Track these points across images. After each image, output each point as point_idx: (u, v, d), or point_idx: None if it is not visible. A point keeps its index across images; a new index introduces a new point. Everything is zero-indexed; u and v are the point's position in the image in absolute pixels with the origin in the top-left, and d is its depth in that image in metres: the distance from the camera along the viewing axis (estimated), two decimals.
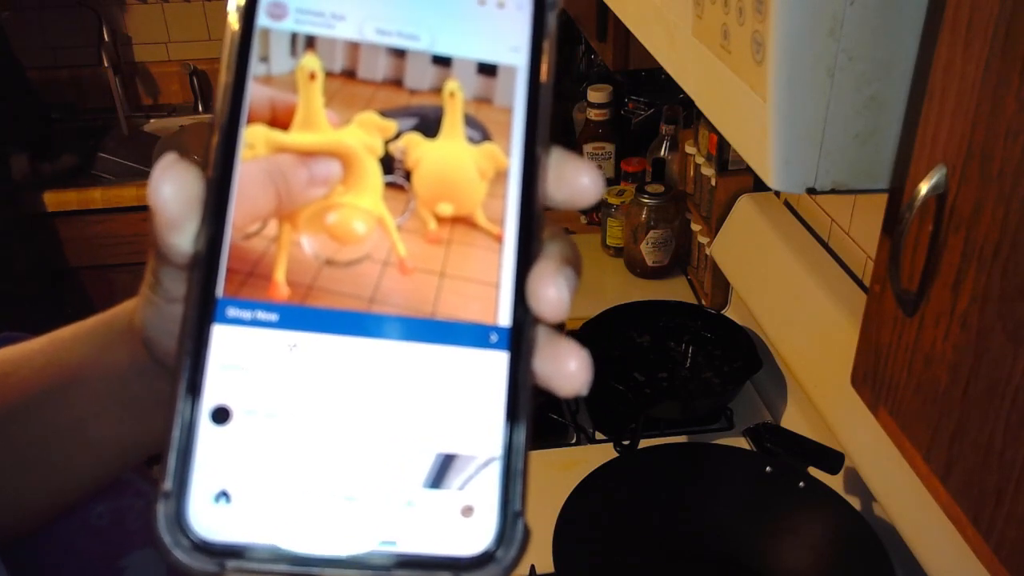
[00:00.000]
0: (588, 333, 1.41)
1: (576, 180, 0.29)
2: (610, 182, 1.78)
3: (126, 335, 0.36)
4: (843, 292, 1.13)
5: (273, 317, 0.26)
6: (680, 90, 0.70)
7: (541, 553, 0.98)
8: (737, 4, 0.54)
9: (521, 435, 0.27)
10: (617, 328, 1.44)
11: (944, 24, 0.45)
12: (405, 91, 0.28)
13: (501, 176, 0.28)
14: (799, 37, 0.49)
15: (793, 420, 1.27)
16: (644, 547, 1.08)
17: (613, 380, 1.30)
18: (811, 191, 0.53)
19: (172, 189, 0.27)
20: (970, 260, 0.44)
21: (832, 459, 1.04)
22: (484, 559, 0.25)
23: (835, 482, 1.05)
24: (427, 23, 0.28)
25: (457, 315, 0.27)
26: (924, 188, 0.46)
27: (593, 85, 1.75)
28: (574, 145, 1.86)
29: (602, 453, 1.18)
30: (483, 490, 0.26)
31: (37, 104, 2.07)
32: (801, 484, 1.04)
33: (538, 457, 1.27)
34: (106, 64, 2.34)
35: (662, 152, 1.70)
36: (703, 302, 1.58)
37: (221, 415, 0.25)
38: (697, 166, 1.52)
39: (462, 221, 0.28)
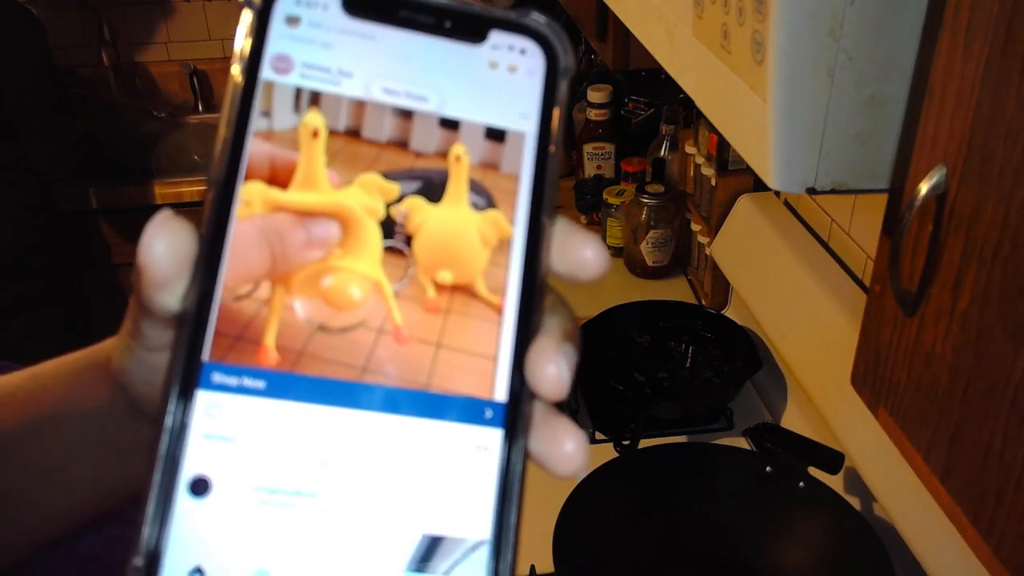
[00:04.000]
0: (588, 333, 1.41)
1: (580, 253, 0.28)
2: (610, 182, 1.78)
3: (106, 375, 0.35)
4: (843, 292, 1.13)
5: (260, 384, 0.25)
6: (680, 90, 0.70)
7: (541, 553, 0.98)
8: (737, 4, 0.54)
9: (513, 517, 0.26)
10: (617, 328, 1.44)
11: (944, 24, 0.45)
12: (410, 153, 0.27)
13: (504, 245, 0.27)
14: (799, 37, 0.49)
15: (793, 420, 1.27)
16: (644, 547, 1.07)
17: (613, 380, 1.30)
18: (811, 191, 0.53)
19: (165, 247, 0.25)
20: (970, 260, 0.44)
21: (832, 459, 1.04)
22: None
23: (835, 482, 1.05)
24: (436, 85, 0.27)
25: (452, 388, 0.26)
26: (924, 188, 0.46)
27: (593, 85, 1.75)
28: (574, 145, 1.86)
29: (602, 453, 1.18)
30: (469, 575, 0.25)
31: (71, 100, 2.03)
32: (801, 484, 1.05)
33: None
34: (106, 64, 2.34)
35: (662, 152, 1.70)
36: (703, 302, 1.58)
37: (200, 487, 0.24)
38: (697, 166, 1.52)
39: (462, 290, 0.27)
